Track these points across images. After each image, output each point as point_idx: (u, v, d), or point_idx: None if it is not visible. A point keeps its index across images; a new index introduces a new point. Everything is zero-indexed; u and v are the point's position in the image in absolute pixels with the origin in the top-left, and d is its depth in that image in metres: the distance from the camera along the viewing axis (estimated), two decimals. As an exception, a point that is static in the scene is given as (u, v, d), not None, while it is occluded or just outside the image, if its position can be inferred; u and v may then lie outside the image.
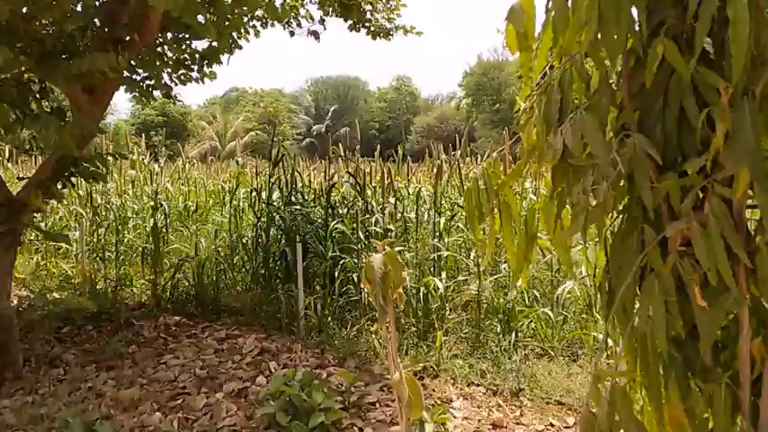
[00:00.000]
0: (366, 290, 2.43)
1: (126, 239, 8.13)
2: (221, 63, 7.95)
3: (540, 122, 1.54)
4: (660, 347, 1.35)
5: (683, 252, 1.35)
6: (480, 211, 1.81)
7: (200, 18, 7.32)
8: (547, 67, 1.70)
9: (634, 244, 1.42)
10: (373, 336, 5.31)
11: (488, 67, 49.58)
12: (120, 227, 8.03)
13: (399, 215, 6.27)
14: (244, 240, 7.33)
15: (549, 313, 5.08)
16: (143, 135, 15.40)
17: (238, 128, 52.33)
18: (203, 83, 8.05)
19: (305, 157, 20.73)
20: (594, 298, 5.40)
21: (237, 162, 9.39)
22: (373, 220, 6.12)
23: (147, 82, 6.31)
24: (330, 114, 62.76)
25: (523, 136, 1.74)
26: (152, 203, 7.78)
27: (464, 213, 6.31)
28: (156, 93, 6.25)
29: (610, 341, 4.27)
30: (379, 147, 9.56)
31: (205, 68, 8.10)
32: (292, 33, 7.26)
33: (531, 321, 5.20)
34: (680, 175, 1.39)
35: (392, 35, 7.85)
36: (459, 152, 8.85)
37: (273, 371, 4.95)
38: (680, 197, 1.37)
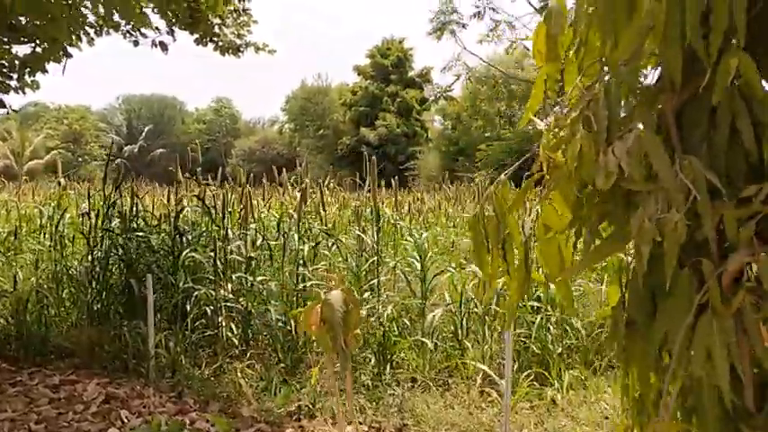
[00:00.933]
0: (308, 332, 2.10)
1: None
2: (46, 72, 7.12)
3: (586, 141, 1.36)
4: (724, 395, 1.22)
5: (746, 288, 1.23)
6: (487, 242, 1.60)
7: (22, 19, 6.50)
8: (578, 80, 1.54)
9: (684, 279, 1.28)
10: (238, 374, 4.87)
11: (313, 92, 49.89)
12: None
13: (260, 242, 5.88)
14: (71, 272, 6.49)
15: (427, 341, 4.97)
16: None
17: (38, 146, 47.87)
18: (23, 93, 7.14)
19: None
20: (461, 324, 5.40)
21: (59, 183, 8.39)
22: (232, 247, 5.67)
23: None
24: (144, 134, 59.54)
25: (544, 156, 1.56)
26: (-45, 229, 6.69)
27: (333, 240, 6.08)
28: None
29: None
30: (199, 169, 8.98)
31: (26, 77, 7.20)
32: (136, 43, 6.63)
33: (402, 351, 5.06)
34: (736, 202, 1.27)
35: (242, 52, 7.48)
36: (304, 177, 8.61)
37: (127, 421, 4.34)
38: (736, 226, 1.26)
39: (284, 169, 9.83)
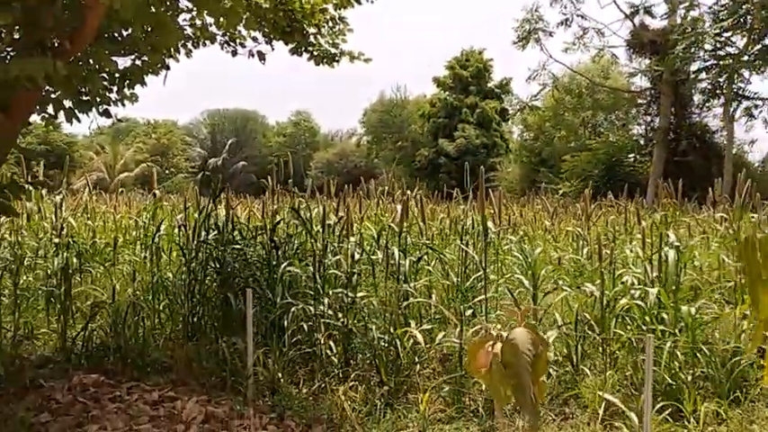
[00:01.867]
0: (475, 376, 1.79)
1: (22, 282, 7.00)
2: (144, 84, 7.14)
3: None
4: None
5: None
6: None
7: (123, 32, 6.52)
8: None
9: None
10: (342, 397, 4.61)
11: (391, 105, 49.91)
12: (17, 267, 6.90)
13: (360, 256, 5.63)
14: (167, 284, 6.43)
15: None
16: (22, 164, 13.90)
17: (129, 159, 49.87)
18: (123, 105, 7.16)
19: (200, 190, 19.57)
20: (575, 348, 4.99)
21: (154, 194, 8.42)
22: (332, 261, 5.45)
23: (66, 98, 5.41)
24: (227, 147, 61.11)
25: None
26: (56, 240, 6.75)
27: (436, 255, 5.78)
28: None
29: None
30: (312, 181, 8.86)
31: (126, 89, 7.24)
32: (235, 53, 6.55)
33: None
34: None
35: (337, 61, 7.31)
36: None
37: (229, 443, 4.16)
38: None
39: (362, 180, 9.63)
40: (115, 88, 7.06)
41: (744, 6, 19.08)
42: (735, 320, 4.99)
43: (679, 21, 22.88)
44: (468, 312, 5.37)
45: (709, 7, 21.02)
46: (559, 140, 32.49)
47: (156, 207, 8.31)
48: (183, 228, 6.52)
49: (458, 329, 4.90)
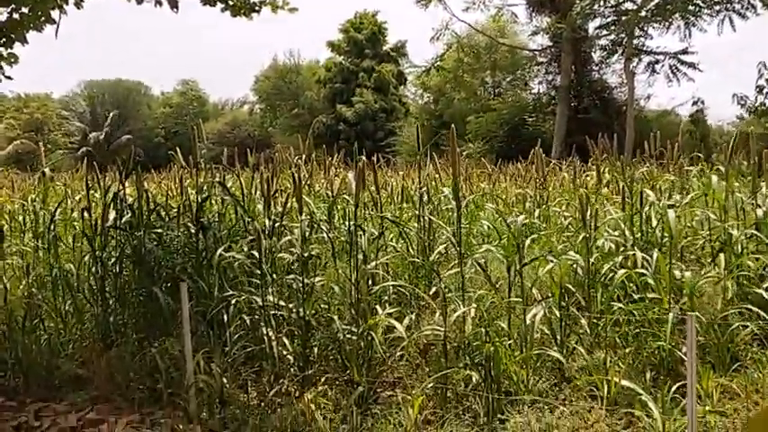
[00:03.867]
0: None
1: None
2: (26, 42, 5.98)
3: None
4: None
5: None
6: None
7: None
8: None
9: None
10: (311, 405, 3.85)
11: (284, 71, 48.22)
12: None
13: (312, 234, 4.85)
14: (69, 279, 5.39)
15: (553, 350, 4.01)
16: None
17: (-1, 136, 45.83)
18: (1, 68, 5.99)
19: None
20: (560, 325, 4.45)
21: (44, 173, 7.21)
22: (278, 244, 4.63)
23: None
24: (109, 121, 57.39)
25: None
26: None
27: (395, 227, 5.08)
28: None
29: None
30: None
31: (2, 49, 6.05)
32: (140, 1, 5.48)
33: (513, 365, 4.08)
34: None
35: (257, 11, 6.37)
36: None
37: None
38: None
39: (254, 151, 8.92)
40: (-12, 46, 5.88)
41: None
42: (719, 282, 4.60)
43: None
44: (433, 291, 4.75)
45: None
46: (460, 102, 32.35)
47: (46, 188, 7.13)
48: (86, 211, 5.47)
49: (437, 314, 4.25)
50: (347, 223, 4.96)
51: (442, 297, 4.03)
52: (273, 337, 4.40)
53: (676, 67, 22.34)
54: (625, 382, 3.66)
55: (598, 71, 25.46)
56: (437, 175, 6.85)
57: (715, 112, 22.62)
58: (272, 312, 4.48)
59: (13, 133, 46.96)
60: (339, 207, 5.79)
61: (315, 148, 8.72)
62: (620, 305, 4.24)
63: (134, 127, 57.94)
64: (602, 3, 21.01)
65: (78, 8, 5.95)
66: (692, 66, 22.20)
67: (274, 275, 4.57)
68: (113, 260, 5.17)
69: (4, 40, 5.83)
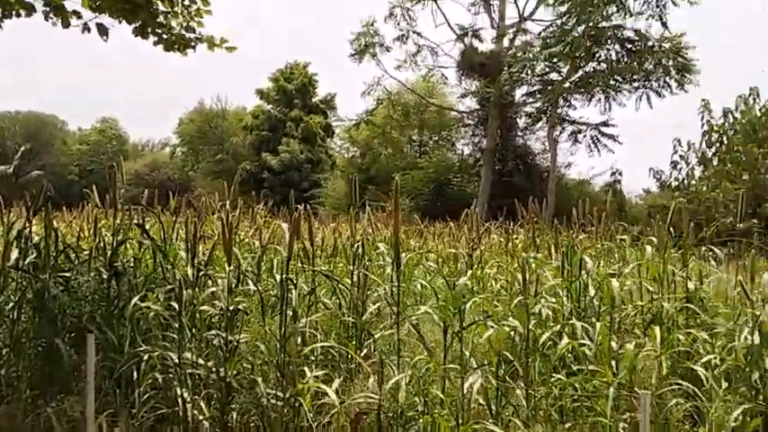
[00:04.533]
0: None
1: None
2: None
3: None
4: None
5: None
6: None
7: None
8: None
9: None
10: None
11: (210, 115, 47.50)
12: None
13: (242, 288, 4.50)
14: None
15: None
16: None
17: None
18: None
19: None
20: (496, 395, 4.24)
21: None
22: (206, 294, 4.26)
23: None
24: (19, 154, 54.68)
25: None
26: None
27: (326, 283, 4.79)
28: None
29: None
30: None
31: None
32: (67, 25, 5.10)
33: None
34: None
35: (193, 47, 6.09)
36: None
37: None
38: None
39: (175, 195, 8.64)
40: None
41: (571, 34, 20.21)
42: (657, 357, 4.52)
43: (506, 44, 23.82)
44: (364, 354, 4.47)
45: (539, 33, 22.12)
46: (386, 158, 32.59)
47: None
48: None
49: (371, 380, 3.96)
50: (276, 276, 4.63)
51: (378, 360, 3.75)
52: (188, 399, 3.98)
53: (597, 138, 23.34)
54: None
55: (522, 137, 26.29)
56: (369, 230, 6.62)
57: (625, 185, 23.68)
58: (189, 371, 4.07)
59: None
60: (267, 258, 5.46)
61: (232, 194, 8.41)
62: (560, 376, 4.07)
63: (47, 162, 55.48)
64: (528, 72, 21.80)
65: (-4, 29, 5.51)
66: (611, 137, 23.25)
67: (194, 330, 4.17)
68: (11, 305, 4.63)
69: None
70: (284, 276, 4.14)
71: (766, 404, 4.11)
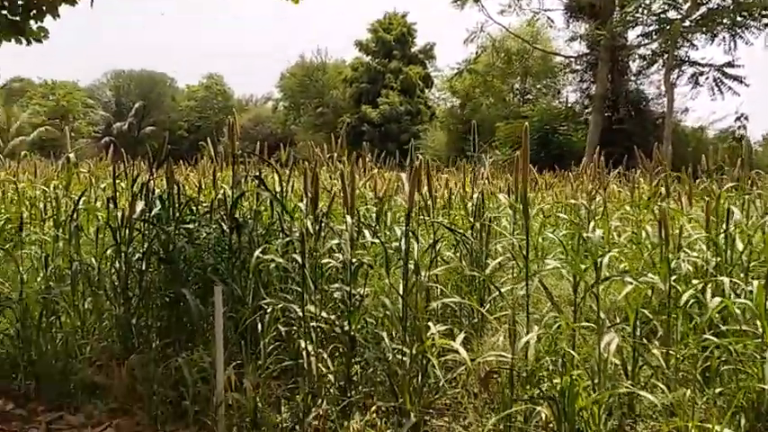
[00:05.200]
0: None
1: None
2: (57, 16, 5.59)
3: None
4: None
5: None
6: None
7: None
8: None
9: None
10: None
11: (310, 69, 47.95)
12: None
13: (370, 240, 4.39)
14: (90, 274, 4.95)
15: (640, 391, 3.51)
16: None
17: (24, 122, 45.90)
18: (28, 42, 5.61)
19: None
20: (632, 357, 3.95)
21: (68, 159, 6.81)
22: (330, 246, 4.18)
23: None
24: (134, 111, 57.51)
25: None
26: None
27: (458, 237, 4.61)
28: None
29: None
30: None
31: (32, 23, 5.68)
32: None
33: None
34: None
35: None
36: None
37: None
38: None
39: (280, 148, 8.76)
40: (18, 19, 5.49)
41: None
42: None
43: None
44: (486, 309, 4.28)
45: (656, -31, 20.63)
46: (488, 108, 31.83)
47: (70, 175, 6.73)
48: (112, 202, 5.06)
49: (497, 337, 3.78)
50: (396, 229, 4.49)
51: (511, 317, 3.55)
52: (313, 353, 3.94)
53: (721, 80, 21.59)
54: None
55: (635, 81, 24.82)
56: (486, 182, 6.37)
57: (754, 127, 21.86)
58: (313, 324, 4.02)
59: (38, 120, 46.99)
60: (384, 210, 5.33)
61: (340, 147, 8.39)
62: (708, 337, 3.72)
63: (158, 118, 58.07)
64: (644, 11, 20.41)
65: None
66: (737, 79, 21.42)
67: (317, 283, 4.10)
68: (138, 256, 4.74)
69: (35, 12, 5.44)
70: (406, 228, 3.98)
71: None
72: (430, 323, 3.95)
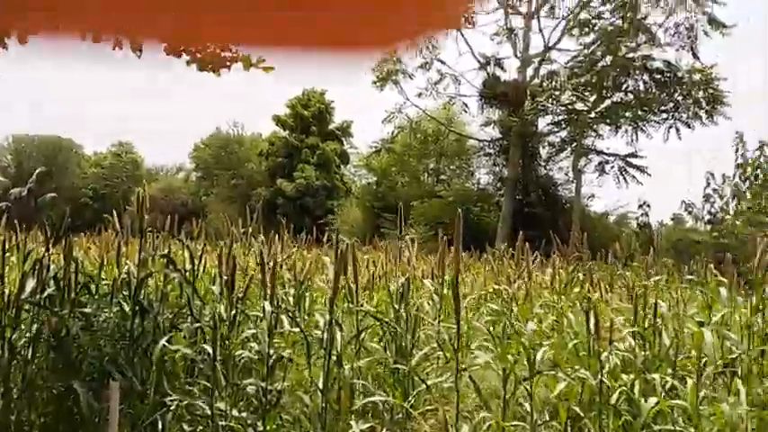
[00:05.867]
0: None
1: None
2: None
3: None
4: None
5: None
6: None
7: None
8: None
9: None
10: None
11: (227, 141, 47.44)
12: None
13: (288, 329, 4.05)
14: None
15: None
16: None
17: None
18: None
19: None
20: None
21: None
22: (245, 335, 3.82)
23: None
24: (34, 177, 54.89)
25: None
26: None
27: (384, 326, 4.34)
28: None
29: None
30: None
31: None
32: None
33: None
34: None
35: (228, 66, 5.74)
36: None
37: None
38: None
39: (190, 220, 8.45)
40: None
41: (599, 64, 19.90)
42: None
43: (530, 74, 23.50)
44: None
45: (566, 62, 21.77)
46: (403, 186, 32.23)
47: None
48: (-2, 279, 4.52)
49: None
50: (317, 316, 4.19)
51: (443, 421, 3.28)
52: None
53: (625, 169, 22.77)
54: None
55: (545, 167, 25.80)
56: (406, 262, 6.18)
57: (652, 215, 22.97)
58: (222, 424, 3.61)
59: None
60: (303, 294, 5.02)
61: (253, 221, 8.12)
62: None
63: (61, 185, 55.61)
64: (554, 101, 21.43)
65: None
66: (639, 169, 22.65)
67: (228, 377, 3.72)
68: (23, 341, 4.20)
69: None
70: (330, 317, 3.69)
71: None
72: (352, 421, 3.63)
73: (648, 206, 22.09)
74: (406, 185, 31.91)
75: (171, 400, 3.61)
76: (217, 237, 9.81)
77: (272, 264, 4.08)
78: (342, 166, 45.00)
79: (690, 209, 17.58)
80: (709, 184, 17.07)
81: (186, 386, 3.81)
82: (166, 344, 3.85)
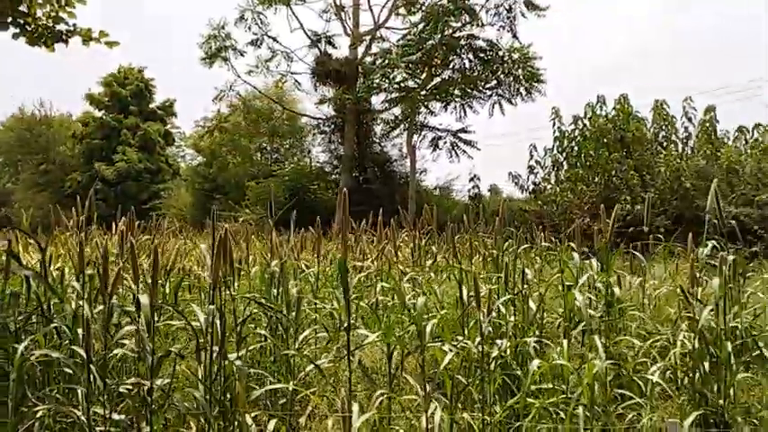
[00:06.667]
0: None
1: None
2: None
3: None
4: None
5: None
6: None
7: None
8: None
9: None
10: None
11: (32, 123, 43.22)
12: None
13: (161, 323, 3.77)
14: None
15: None
16: None
17: None
18: None
19: None
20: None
21: None
22: (123, 332, 3.50)
23: None
24: None
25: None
26: None
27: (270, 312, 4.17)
28: None
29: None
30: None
31: None
32: None
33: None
34: None
35: (65, 40, 5.20)
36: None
37: None
38: None
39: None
40: None
41: (428, 42, 20.51)
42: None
43: (362, 51, 23.73)
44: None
45: (397, 41, 22.17)
46: (235, 166, 31.42)
47: None
48: None
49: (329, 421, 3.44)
50: (194, 307, 3.96)
51: (347, 403, 3.24)
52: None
53: (456, 144, 23.85)
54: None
55: (380, 144, 26.31)
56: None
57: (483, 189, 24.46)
58: (101, 430, 3.31)
59: None
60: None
61: (66, 208, 7.48)
62: (534, 401, 3.77)
63: None
64: (386, 80, 21.83)
65: None
66: (469, 144, 23.85)
67: (104, 379, 3.40)
68: None
69: None
70: (215, 307, 3.50)
71: (715, 410, 4.09)
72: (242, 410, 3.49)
73: (479, 179, 23.42)
74: (239, 165, 31.14)
75: (37, 410, 3.25)
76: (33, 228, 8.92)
77: (132, 253, 3.78)
78: (167, 147, 42.97)
79: (516, 180, 18.86)
80: (532, 157, 18.40)
81: (56, 393, 3.44)
82: (27, 349, 3.45)
